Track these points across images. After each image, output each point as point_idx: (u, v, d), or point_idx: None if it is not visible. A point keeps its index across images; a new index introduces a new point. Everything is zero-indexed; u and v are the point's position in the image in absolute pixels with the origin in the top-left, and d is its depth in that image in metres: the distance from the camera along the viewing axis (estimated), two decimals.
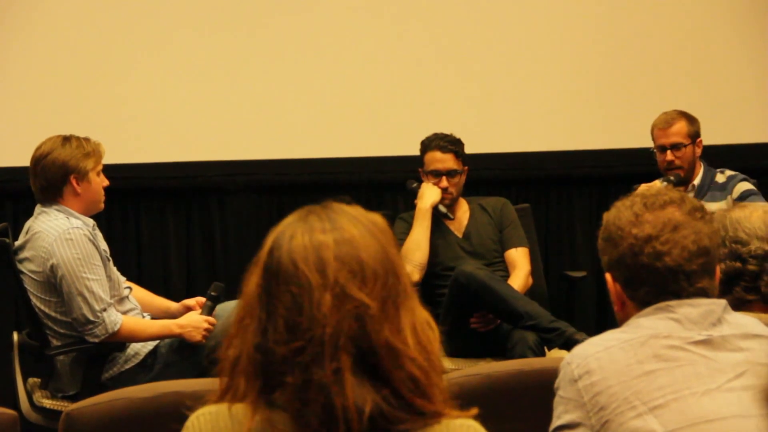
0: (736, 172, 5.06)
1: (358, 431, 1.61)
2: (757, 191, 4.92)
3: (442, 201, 5.04)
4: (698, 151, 5.06)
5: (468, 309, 4.78)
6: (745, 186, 4.94)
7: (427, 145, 5.07)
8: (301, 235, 1.69)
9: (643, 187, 4.86)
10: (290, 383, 1.63)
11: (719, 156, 5.25)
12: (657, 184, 4.91)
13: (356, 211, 1.74)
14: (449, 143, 5.04)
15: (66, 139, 4.19)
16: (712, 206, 4.50)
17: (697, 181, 5.05)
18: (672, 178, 4.98)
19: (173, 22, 5.72)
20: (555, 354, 4.60)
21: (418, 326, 1.68)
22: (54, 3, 5.61)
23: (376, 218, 1.74)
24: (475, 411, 1.71)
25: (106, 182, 4.26)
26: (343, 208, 1.74)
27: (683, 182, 4.97)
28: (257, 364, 1.66)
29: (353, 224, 1.71)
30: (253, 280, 1.71)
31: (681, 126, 5.04)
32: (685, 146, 5.02)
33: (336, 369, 1.62)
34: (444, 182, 5.03)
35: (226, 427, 1.68)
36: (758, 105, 6.24)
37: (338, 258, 1.66)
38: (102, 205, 4.29)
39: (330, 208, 1.74)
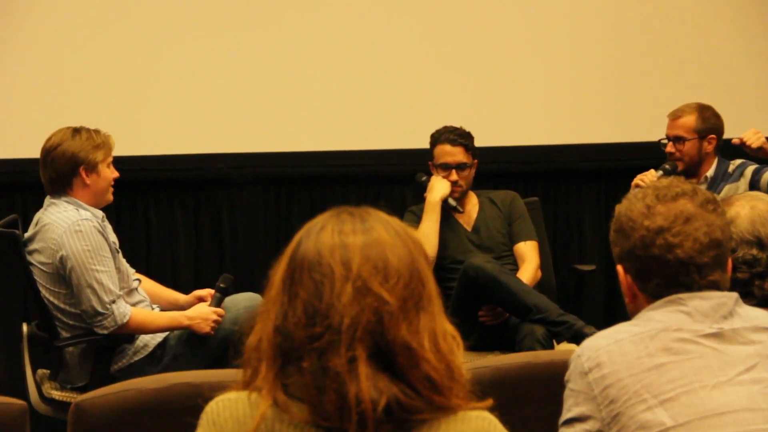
0: (744, 159, 5.05)
1: (372, 420, 1.63)
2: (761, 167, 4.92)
3: (451, 194, 5.04)
4: (708, 147, 5.03)
5: (477, 302, 4.78)
6: (755, 165, 4.94)
7: (437, 138, 5.07)
8: (331, 229, 1.73)
9: (639, 177, 4.89)
10: (306, 369, 1.66)
11: (724, 151, 5.24)
12: (652, 172, 4.92)
13: (391, 218, 1.77)
14: (459, 136, 5.04)
15: (76, 131, 4.20)
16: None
17: (710, 173, 5.04)
18: (668, 166, 4.98)
19: (182, 16, 5.72)
20: (564, 347, 4.60)
21: (439, 334, 1.71)
22: None
23: (411, 229, 1.77)
24: (490, 402, 1.72)
25: (115, 174, 4.27)
26: (378, 213, 1.77)
27: (682, 174, 4.95)
28: (276, 346, 1.69)
29: (384, 227, 1.74)
30: (278, 270, 1.74)
31: (687, 120, 5.03)
32: (688, 140, 5.01)
33: (351, 358, 1.64)
34: (454, 175, 5.03)
35: (244, 413, 1.70)
36: (765, 99, 6.22)
37: (364, 254, 1.70)
38: (111, 197, 4.29)
39: (365, 210, 1.77)
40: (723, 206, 2.33)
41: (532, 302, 4.65)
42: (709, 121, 5.04)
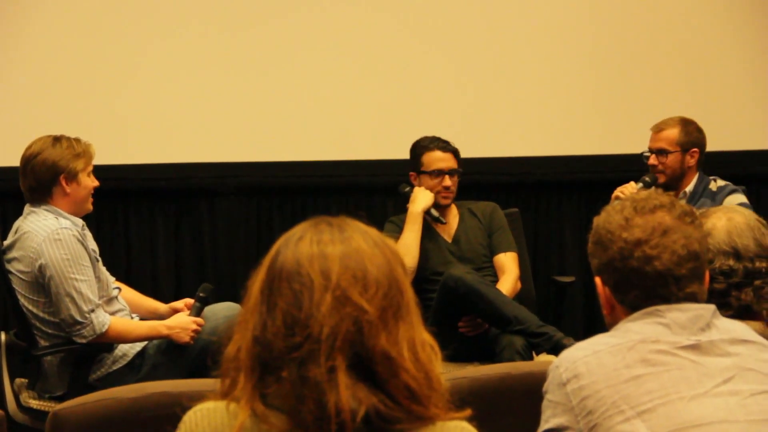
0: (728, 183, 5.06)
1: (351, 430, 1.63)
2: (748, 204, 4.90)
3: (442, 201, 5.05)
4: (690, 161, 5.03)
5: (456, 313, 4.79)
6: (737, 199, 4.92)
7: (426, 146, 5.07)
8: (310, 239, 1.73)
9: (619, 189, 4.90)
10: (286, 378, 1.66)
11: (715, 162, 5.25)
12: (632, 185, 4.93)
13: (368, 228, 1.77)
14: (448, 143, 5.07)
15: (56, 140, 4.19)
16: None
17: (689, 188, 5.05)
18: (647, 179, 4.99)
19: (164, 25, 5.72)
20: (543, 358, 4.60)
21: (418, 343, 1.71)
22: (46, 4, 5.61)
23: (389, 239, 1.78)
24: (468, 412, 1.72)
25: (96, 183, 4.26)
26: (356, 223, 1.77)
27: (663, 186, 4.96)
28: (255, 357, 1.69)
29: (363, 237, 1.74)
30: (257, 280, 1.74)
31: (671, 133, 5.04)
32: (670, 153, 5.02)
33: (331, 368, 1.64)
34: (447, 181, 5.04)
35: (222, 423, 1.70)
36: (754, 111, 6.25)
37: (343, 263, 1.70)
38: (90, 206, 4.28)
39: (342, 220, 1.77)
40: (700, 218, 2.34)
41: (511, 313, 4.65)
42: (692, 134, 5.05)
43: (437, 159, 5.06)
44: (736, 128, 6.21)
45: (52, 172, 4.15)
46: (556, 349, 4.47)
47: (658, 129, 5.08)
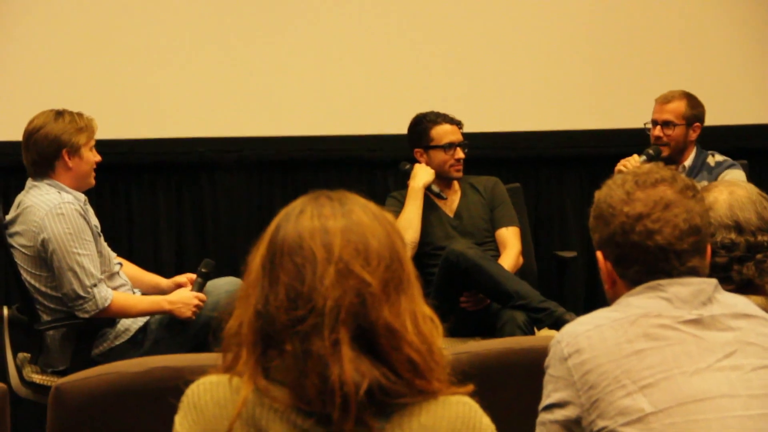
0: (726, 158, 5.05)
1: (354, 403, 1.63)
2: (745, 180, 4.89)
3: (455, 174, 5.05)
4: (692, 135, 5.04)
5: (458, 288, 4.79)
6: (734, 175, 4.91)
7: (434, 120, 5.07)
8: (310, 213, 1.73)
9: (622, 162, 4.89)
10: (289, 352, 1.66)
11: (713, 137, 5.24)
12: (635, 157, 4.92)
13: (368, 202, 1.78)
14: (453, 117, 5.07)
15: (59, 114, 4.18)
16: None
17: (688, 162, 5.05)
18: (651, 151, 4.98)
19: (165, 0, 5.71)
20: (544, 334, 4.61)
21: (419, 316, 1.72)
22: None
23: (388, 213, 1.78)
24: (471, 387, 1.73)
25: (98, 158, 4.26)
26: (355, 196, 1.78)
27: (666, 159, 4.95)
28: (257, 331, 1.70)
29: (363, 210, 1.75)
30: (258, 254, 1.74)
31: (678, 105, 5.03)
32: (677, 126, 5.01)
33: (335, 341, 1.65)
34: (460, 153, 5.05)
35: (225, 396, 1.71)
36: (752, 86, 6.23)
37: (344, 236, 1.70)
38: (93, 181, 4.28)
39: (342, 194, 1.78)
40: (702, 193, 2.34)
41: (513, 288, 4.66)
42: (696, 108, 5.05)
43: (448, 132, 5.06)
44: (737, 102, 6.19)
45: (55, 146, 4.15)
46: (557, 325, 4.47)
47: (665, 100, 5.06)
